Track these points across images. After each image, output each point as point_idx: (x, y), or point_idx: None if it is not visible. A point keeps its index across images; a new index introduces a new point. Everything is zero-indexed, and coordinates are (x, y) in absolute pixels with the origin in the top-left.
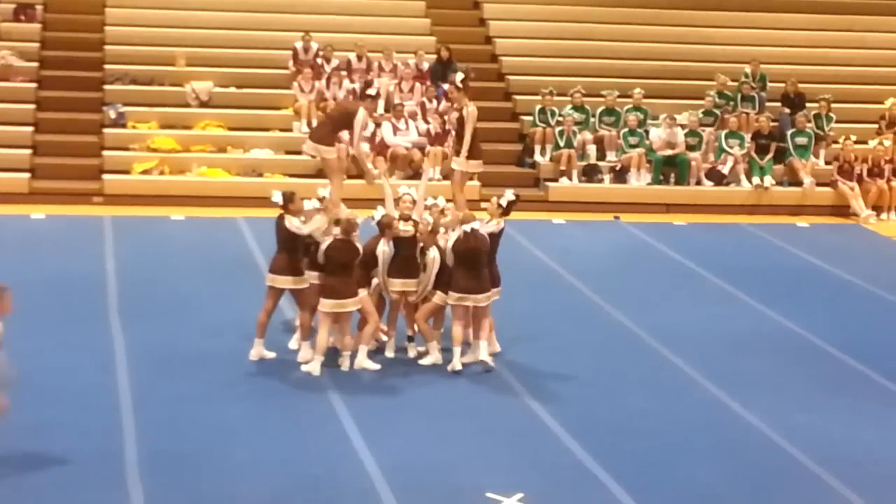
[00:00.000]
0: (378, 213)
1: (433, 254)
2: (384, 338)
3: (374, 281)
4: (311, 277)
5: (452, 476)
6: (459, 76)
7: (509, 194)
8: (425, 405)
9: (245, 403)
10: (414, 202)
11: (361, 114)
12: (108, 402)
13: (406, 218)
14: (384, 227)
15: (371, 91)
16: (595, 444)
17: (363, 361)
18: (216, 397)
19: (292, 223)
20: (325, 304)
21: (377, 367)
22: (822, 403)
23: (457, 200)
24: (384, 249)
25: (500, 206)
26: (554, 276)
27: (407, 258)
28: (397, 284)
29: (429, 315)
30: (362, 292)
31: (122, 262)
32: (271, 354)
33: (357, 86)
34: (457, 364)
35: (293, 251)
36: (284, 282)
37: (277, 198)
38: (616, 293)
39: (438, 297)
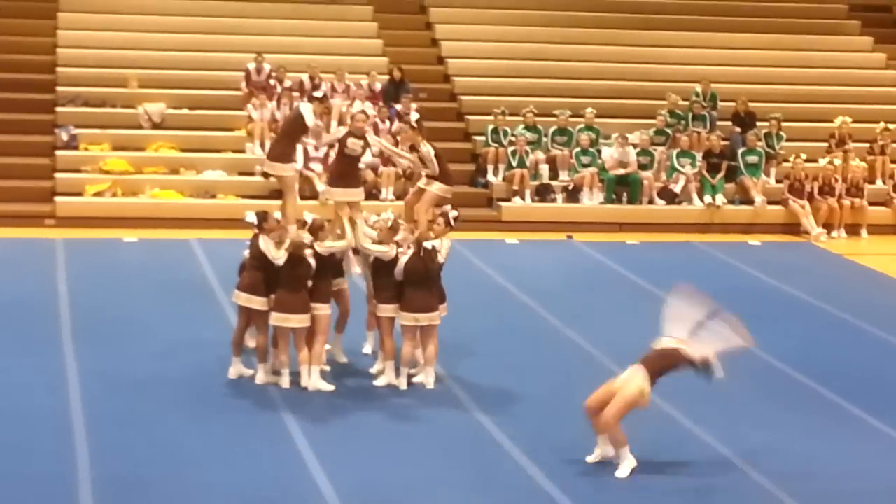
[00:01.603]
0: (308, 216)
1: (388, 249)
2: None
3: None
4: (272, 301)
5: (407, 496)
6: (415, 116)
7: (451, 211)
8: (380, 425)
9: (198, 425)
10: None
11: (307, 107)
12: (61, 424)
13: (360, 135)
14: (316, 230)
15: (318, 94)
16: (550, 463)
17: (317, 382)
18: (169, 419)
19: (268, 248)
20: (272, 317)
21: (331, 387)
22: (775, 420)
23: (420, 221)
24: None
25: (447, 223)
26: (507, 295)
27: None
28: (339, 194)
29: (390, 329)
30: (324, 308)
31: (75, 285)
32: (250, 372)
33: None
34: (403, 384)
35: (261, 270)
36: (246, 300)
37: (251, 218)
38: (569, 312)
39: (390, 309)
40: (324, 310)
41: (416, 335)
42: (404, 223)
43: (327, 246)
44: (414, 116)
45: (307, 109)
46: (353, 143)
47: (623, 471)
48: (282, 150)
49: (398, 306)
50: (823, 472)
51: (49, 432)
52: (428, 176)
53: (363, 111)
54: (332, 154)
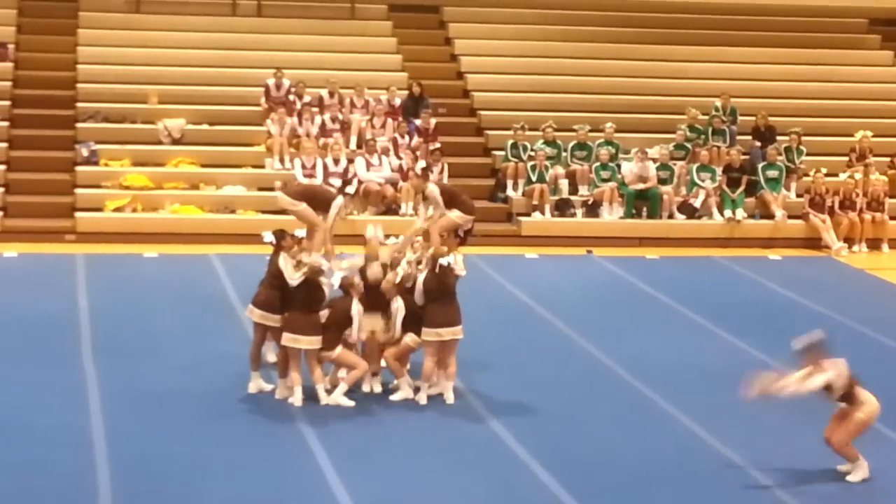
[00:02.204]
0: (337, 276)
1: (397, 304)
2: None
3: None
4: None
5: None
6: (421, 164)
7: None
8: (399, 440)
9: (219, 440)
10: (381, 242)
11: (340, 200)
12: (81, 440)
13: (375, 258)
14: (347, 288)
15: (350, 189)
16: (569, 477)
17: (339, 398)
18: (190, 435)
19: (286, 267)
20: (284, 337)
21: (351, 403)
22: (796, 435)
23: (432, 239)
24: (359, 309)
25: (458, 236)
26: (527, 310)
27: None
28: (368, 323)
29: (399, 354)
30: (335, 351)
31: (95, 300)
32: (269, 387)
33: (327, 116)
34: (423, 399)
35: (277, 289)
36: (261, 317)
37: (269, 238)
38: (589, 327)
39: (411, 339)
40: (335, 353)
41: (437, 350)
42: (422, 241)
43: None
44: (421, 164)
45: (340, 201)
46: (374, 272)
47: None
48: (295, 192)
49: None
50: (846, 489)
51: (69, 447)
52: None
53: (375, 235)
54: (352, 170)
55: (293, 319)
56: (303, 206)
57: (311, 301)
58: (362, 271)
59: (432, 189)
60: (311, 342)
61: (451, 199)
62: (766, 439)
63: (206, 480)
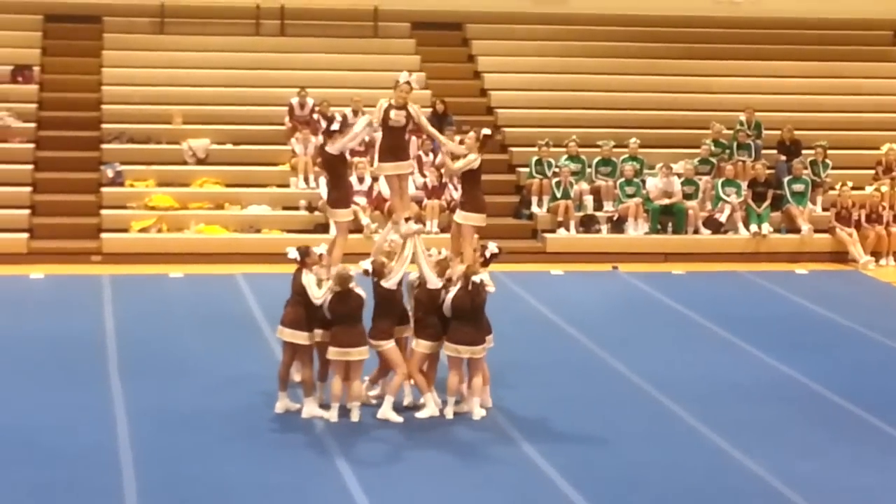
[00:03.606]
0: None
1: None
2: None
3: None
4: (317, 336)
5: None
6: (486, 131)
7: (493, 247)
8: (426, 458)
9: (246, 460)
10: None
11: (336, 145)
12: (108, 461)
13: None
14: (380, 270)
15: (334, 126)
16: (597, 494)
17: (388, 412)
18: (217, 455)
19: (310, 284)
20: (331, 352)
21: (401, 419)
22: (823, 450)
23: (465, 255)
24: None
25: (483, 256)
26: (553, 326)
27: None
28: (389, 168)
29: (419, 365)
30: (389, 343)
31: (122, 321)
32: (296, 406)
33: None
34: (449, 413)
35: (303, 305)
36: (290, 335)
37: (293, 254)
38: (615, 343)
39: (424, 346)
40: (388, 344)
41: (461, 366)
42: (453, 260)
43: (393, 281)
44: (486, 131)
45: (336, 144)
46: (397, 115)
47: None
48: (337, 196)
49: (436, 343)
50: (877, 502)
51: (97, 468)
52: (460, 208)
53: (408, 82)
54: (376, 188)
55: (338, 334)
56: (349, 218)
57: (351, 311)
58: (385, 116)
59: (474, 158)
60: (361, 353)
61: (468, 198)
62: (793, 454)
63: (233, 500)
